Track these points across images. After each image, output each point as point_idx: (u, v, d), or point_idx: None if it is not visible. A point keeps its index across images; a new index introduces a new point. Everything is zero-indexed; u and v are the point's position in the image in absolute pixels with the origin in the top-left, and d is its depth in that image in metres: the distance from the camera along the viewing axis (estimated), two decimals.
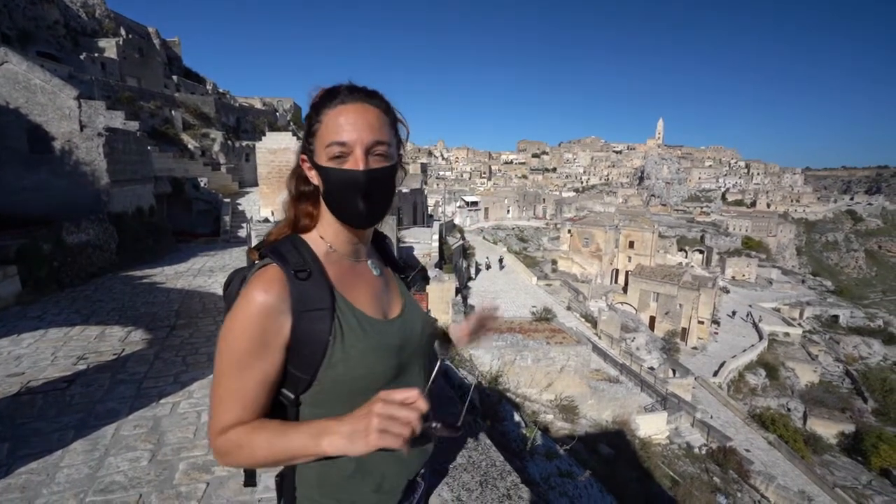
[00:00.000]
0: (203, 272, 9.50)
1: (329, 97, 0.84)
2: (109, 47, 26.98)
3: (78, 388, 4.00)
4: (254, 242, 7.60)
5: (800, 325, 43.70)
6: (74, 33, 27.16)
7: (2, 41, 19.13)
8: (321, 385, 0.83)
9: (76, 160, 10.51)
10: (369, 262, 0.98)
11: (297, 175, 0.92)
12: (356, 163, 0.83)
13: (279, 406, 0.85)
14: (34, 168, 10.29)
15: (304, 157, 0.89)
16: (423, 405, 0.70)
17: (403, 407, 0.69)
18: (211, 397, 0.80)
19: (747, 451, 19.73)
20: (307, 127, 0.87)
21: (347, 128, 0.82)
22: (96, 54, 25.83)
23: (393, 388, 0.89)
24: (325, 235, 0.91)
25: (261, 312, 0.77)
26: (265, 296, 0.77)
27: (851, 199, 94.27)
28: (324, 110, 0.84)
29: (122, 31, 30.11)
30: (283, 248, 0.85)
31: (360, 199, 0.84)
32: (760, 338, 37.47)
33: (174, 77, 32.63)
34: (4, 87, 9.98)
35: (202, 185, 18.45)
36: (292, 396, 0.84)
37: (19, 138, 10.17)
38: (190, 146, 22.74)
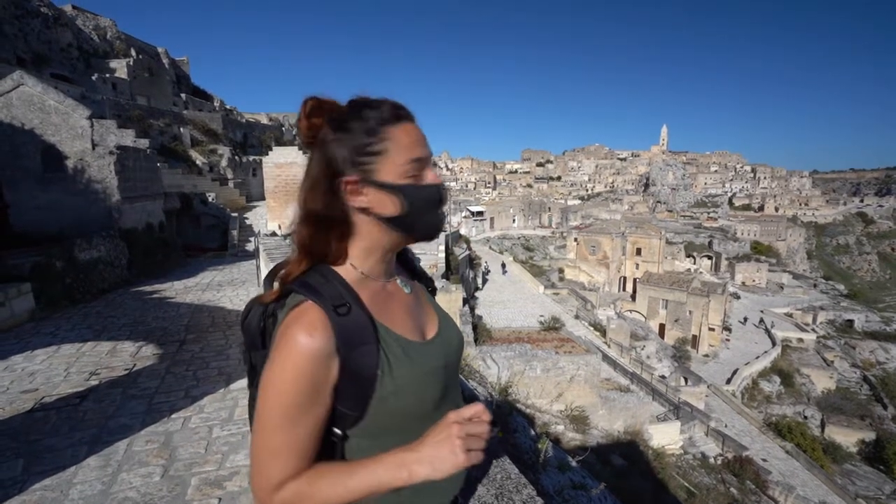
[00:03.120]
0: (212, 286, 9.58)
1: (391, 115, 0.81)
2: (120, 68, 27.69)
3: (90, 403, 4.02)
4: (262, 256, 7.62)
5: (813, 330, 42.87)
6: (87, 55, 27.91)
7: (18, 64, 19.68)
8: (372, 418, 0.80)
9: (88, 178, 10.72)
10: (398, 280, 0.94)
11: (326, 202, 0.80)
12: (433, 177, 0.83)
13: (328, 444, 0.81)
14: (48, 186, 10.51)
15: (356, 178, 0.79)
16: (488, 416, 0.74)
17: (475, 423, 0.73)
18: (257, 450, 0.74)
19: (764, 460, 19.31)
20: (359, 146, 0.79)
21: (419, 144, 0.82)
22: (108, 75, 26.49)
23: (441, 408, 0.87)
24: (356, 261, 0.85)
25: (309, 360, 0.72)
26: (311, 341, 0.72)
27: (861, 201, 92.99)
28: (387, 128, 0.80)
29: (133, 52, 30.90)
30: (314, 281, 0.79)
31: (440, 211, 0.85)
32: (773, 344, 36.84)
33: (182, 95, 33.32)
34: (20, 108, 10.26)
35: (210, 200, 18.72)
36: (340, 433, 0.81)
37: (34, 158, 10.42)
38: (198, 162, 23.11)
